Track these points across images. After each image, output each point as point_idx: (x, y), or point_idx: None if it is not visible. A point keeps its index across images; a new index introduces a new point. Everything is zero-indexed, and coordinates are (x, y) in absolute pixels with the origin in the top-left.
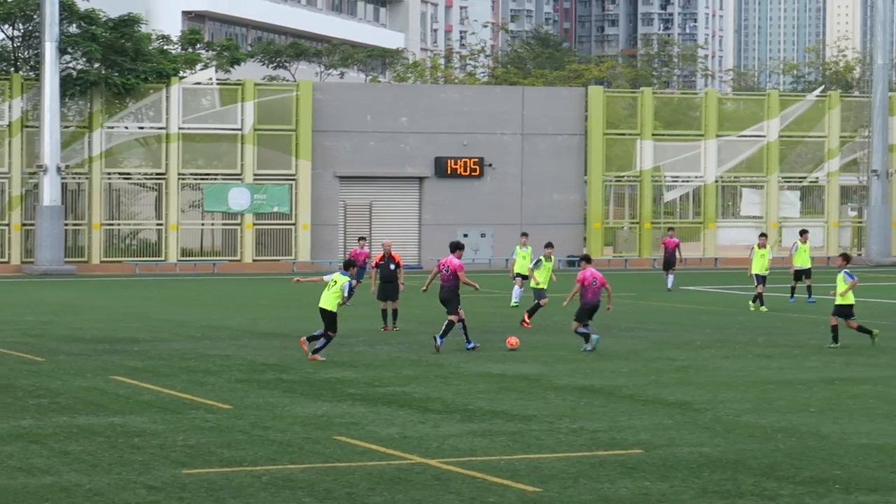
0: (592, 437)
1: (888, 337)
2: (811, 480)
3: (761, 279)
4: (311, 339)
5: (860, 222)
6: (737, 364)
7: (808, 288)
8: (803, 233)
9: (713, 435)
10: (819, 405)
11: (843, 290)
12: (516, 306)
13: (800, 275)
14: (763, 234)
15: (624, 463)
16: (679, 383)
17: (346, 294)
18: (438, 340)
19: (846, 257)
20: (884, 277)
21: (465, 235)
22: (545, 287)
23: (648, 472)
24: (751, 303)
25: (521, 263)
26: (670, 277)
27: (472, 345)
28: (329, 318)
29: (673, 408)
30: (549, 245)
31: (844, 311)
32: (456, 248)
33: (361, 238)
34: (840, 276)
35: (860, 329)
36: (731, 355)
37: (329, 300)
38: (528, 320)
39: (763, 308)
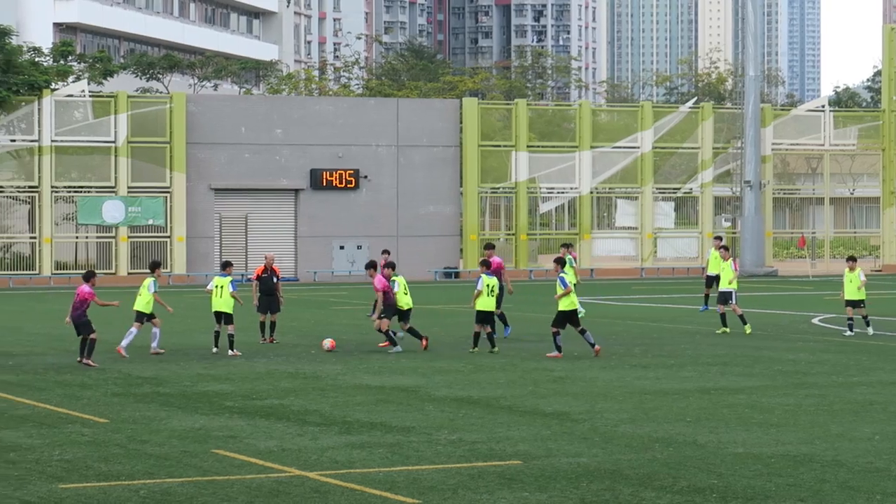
0: (471, 449)
1: (761, 346)
2: (689, 490)
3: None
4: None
5: (734, 233)
6: (613, 374)
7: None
8: (718, 238)
9: (591, 445)
10: (695, 415)
11: (731, 277)
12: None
13: (711, 281)
14: (718, 237)
15: (503, 474)
16: (556, 394)
17: (233, 290)
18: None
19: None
20: (757, 287)
21: (342, 247)
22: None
23: (527, 483)
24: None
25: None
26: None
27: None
28: (228, 317)
29: (551, 418)
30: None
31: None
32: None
33: (490, 245)
34: (727, 264)
35: (741, 317)
36: (608, 366)
37: (225, 303)
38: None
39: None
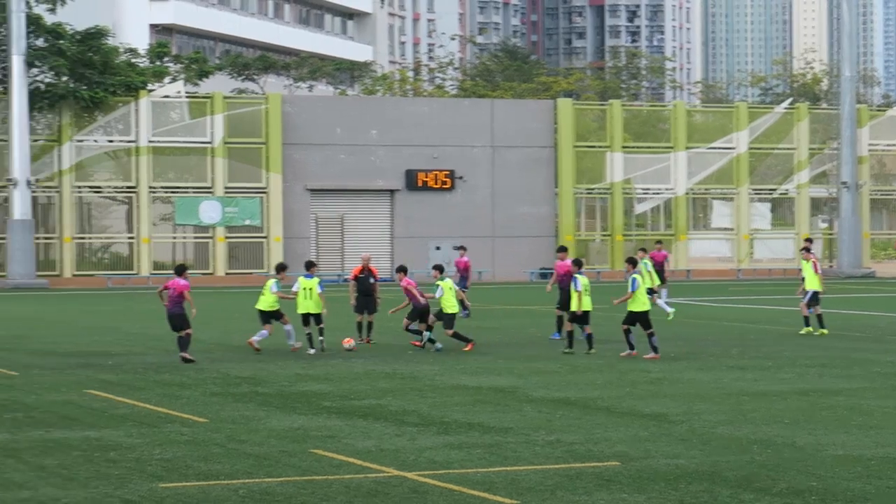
0: (569, 450)
1: (859, 348)
2: (788, 492)
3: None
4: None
5: (831, 234)
6: (711, 376)
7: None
8: (808, 241)
9: (689, 447)
10: (794, 416)
11: (813, 278)
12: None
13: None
14: (808, 240)
15: (601, 475)
16: (654, 395)
17: (320, 291)
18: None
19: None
20: (855, 289)
21: (438, 248)
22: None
23: (625, 485)
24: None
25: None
26: (663, 291)
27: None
28: (317, 317)
29: (648, 420)
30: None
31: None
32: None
33: (462, 247)
34: (808, 265)
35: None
36: (705, 367)
37: (315, 304)
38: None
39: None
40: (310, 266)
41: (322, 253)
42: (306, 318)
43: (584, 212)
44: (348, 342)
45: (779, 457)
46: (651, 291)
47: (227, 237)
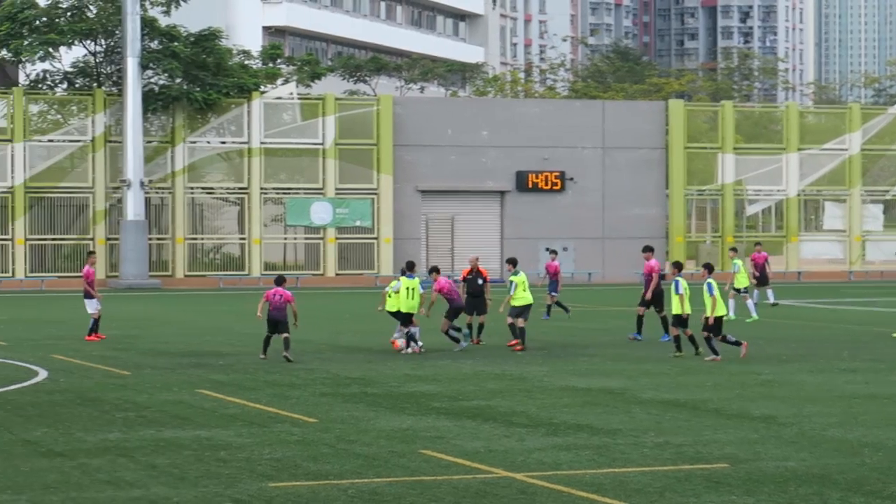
0: (678, 452)
1: None
2: None
3: None
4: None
5: None
6: (821, 378)
7: None
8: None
9: (799, 449)
10: None
11: None
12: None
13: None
14: None
15: (710, 477)
16: (764, 397)
17: (423, 290)
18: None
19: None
20: None
21: (547, 249)
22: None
23: (734, 487)
24: None
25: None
26: (769, 292)
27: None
28: (407, 317)
29: (758, 422)
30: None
31: None
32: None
33: (553, 251)
34: None
35: None
36: (816, 369)
37: (416, 304)
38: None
39: None
40: (411, 266)
41: (432, 254)
42: (404, 316)
43: (695, 213)
44: (398, 346)
45: (890, 460)
46: (740, 291)
47: (337, 238)
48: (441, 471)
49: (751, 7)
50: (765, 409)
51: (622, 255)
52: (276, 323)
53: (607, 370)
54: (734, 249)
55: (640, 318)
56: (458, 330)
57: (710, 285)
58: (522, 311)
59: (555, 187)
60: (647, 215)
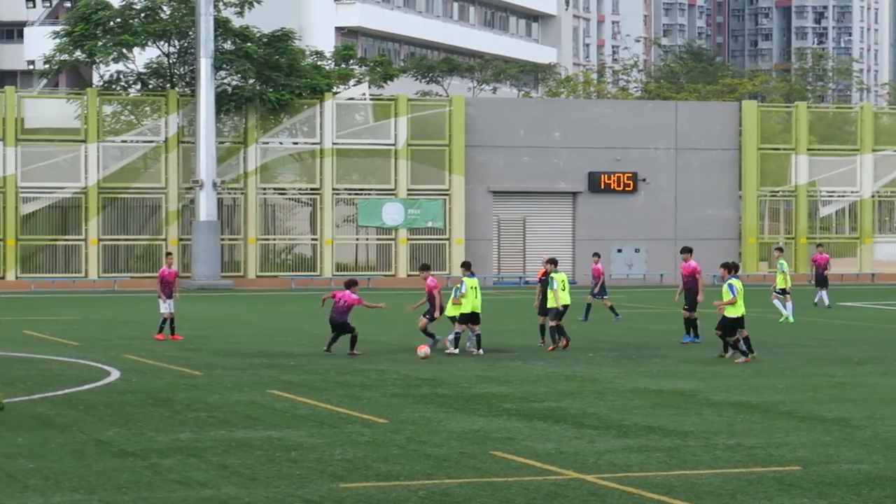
0: (749, 454)
1: None
2: None
3: None
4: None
5: None
6: (895, 381)
7: None
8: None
9: (872, 452)
10: None
11: None
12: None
13: None
14: None
15: (782, 480)
16: (836, 400)
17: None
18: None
19: None
20: None
21: (619, 251)
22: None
23: (807, 490)
24: None
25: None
26: (822, 293)
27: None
28: (476, 317)
29: (830, 424)
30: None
31: None
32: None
33: (596, 254)
34: None
35: None
36: (889, 372)
37: (480, 304)
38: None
39: None
40: (468, 266)
41: (504, 255)
42: (477, 316)
43: (768, 214)
44: (422, 349)
45: None
46: (783, 292)
47: (409, 239)
48: (512, 472)
49: (825, 7)
50: (837, 412)
51: (695, 256)
52: (338, 325)
53: (679, 372)
54: (780, 249)
55: (691, 321)
56: (433, 336)
57: (731, 286)
58: (554, 311)
59: (627, 188)
60: (719, 216)
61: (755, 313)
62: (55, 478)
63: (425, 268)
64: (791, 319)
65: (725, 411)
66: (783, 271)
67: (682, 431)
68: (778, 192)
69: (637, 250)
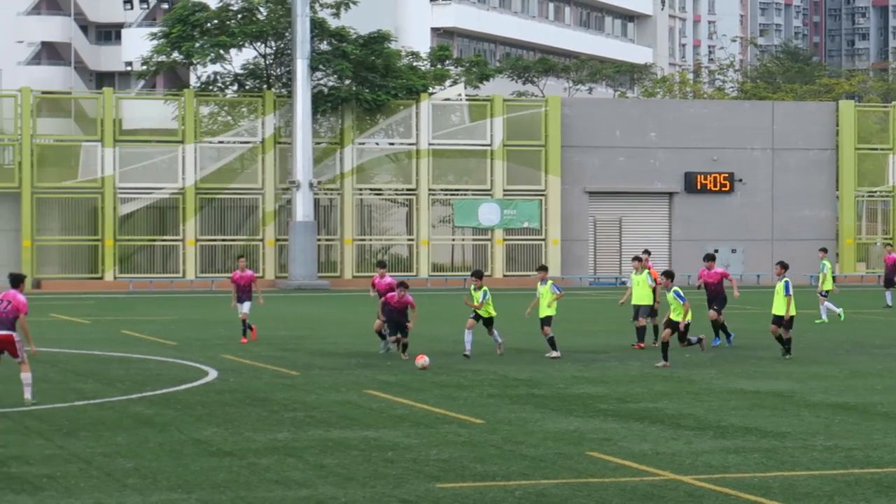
0: (847, 455)
1: None
2: None
3: None
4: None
5: None
6: None
7: None
8: None
9: None
10: None
11: None
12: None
13: None
14: None
15: (880, 482)
16: None
17: (557, 291)
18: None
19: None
20: None
21: (716, 251)
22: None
23: None
24: None
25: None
26: (888, 294)
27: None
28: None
29: None
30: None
31: None
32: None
33: (646, 252)
34: None
35: None
36: None
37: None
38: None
39: None
40: (544, 269)
41: (600, 255)
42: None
43: (866, 215)
44: (421, 359)
45: None
46: (826, 294)
47: (505, 239)
48: (608, 473)
49: None
50: None
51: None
52: (395, 323)
53: (775, 373)
54: (824, 250)
55: (719, 324)
56: (384, 337)
57: (787, 284)
58: (641, 309)
59: (724, 188)
60: (816, 217)
61: (853, 314)
62: (153, 477)
63: (381, 265)
64: (825, 319)
65: (823, 412)
66: (824, 272)
67: (780, 432)
68: (875, 192)
69: (734, 251)
